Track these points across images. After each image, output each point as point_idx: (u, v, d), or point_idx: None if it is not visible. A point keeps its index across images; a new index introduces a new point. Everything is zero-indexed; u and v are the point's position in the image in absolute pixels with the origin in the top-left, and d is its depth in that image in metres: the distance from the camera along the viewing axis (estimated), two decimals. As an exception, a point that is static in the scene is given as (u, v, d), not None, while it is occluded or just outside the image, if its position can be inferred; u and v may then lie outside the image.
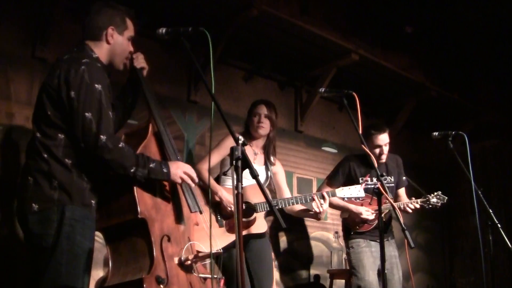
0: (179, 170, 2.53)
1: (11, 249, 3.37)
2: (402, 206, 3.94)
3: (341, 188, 3.55)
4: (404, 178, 4.23)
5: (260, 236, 3.51)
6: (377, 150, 3.94)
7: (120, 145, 2.33)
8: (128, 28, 2.59)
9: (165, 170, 2.47)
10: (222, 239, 3.30)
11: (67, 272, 2.23)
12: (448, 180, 6.85)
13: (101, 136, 2.27)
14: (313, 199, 3.46)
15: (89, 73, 2.31)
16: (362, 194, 3.52)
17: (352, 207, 3.91)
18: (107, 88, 2.38)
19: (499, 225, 3.37)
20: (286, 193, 3.72)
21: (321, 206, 3.42)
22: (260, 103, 3.67)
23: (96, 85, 2.31)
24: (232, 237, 3.28)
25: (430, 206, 4.03)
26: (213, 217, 3.37)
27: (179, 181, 2.55)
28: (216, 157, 3.47)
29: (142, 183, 2.45)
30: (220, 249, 2.69)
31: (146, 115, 2.83)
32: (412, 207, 3.92)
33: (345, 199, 3.64)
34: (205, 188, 3.28)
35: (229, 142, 3.43)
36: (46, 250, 2.24)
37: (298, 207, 3.66)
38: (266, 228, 3.55)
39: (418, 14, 6.09)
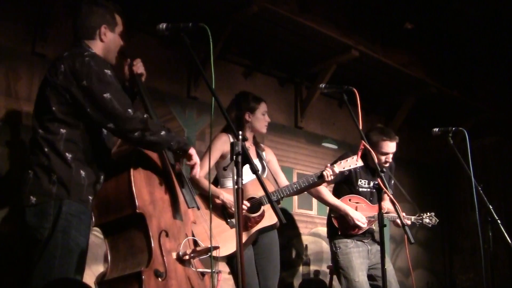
0: None
1: (12, 247, 3.37)
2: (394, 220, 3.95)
3: (338, 162, 3.52)
4: (392, 182, 4.16)
5: (271, 227, 3.46)
6: (384, 157, 3.87)
7: (146, 115, 2.42)
8: (118, 24, 2.65)
9: (186, 141, 2.57)
10: (235, 239, 3.27)
11: (60, 265, 2.25)
12: (448, 176, 6.82)
13: (128, 110, 2.35)
14: (313, 182, 3.49)
15: (95, 61, 2.38)
16: (360, 163, 3.49)
17: (350, 210, 3.81)
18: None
19: (499, 221, 3.38)
20: (282, 177, 3.71)
21: (331, 176, 3.49)
22: (262, 101, 3.63)
23: (105, 70, 2.39)
24: (245, 236, 3.26)
25: (422, 224, 4.04)
26: (222, 221, 3.35)
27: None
28: (210, 162, 3.44)
29: (139, 179, 2.48)
30: (218, 245, 2.70)
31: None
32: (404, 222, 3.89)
33: (346, 172, 3.66)
34: (205, 195, 3.26)
35: (219, 144, 3.44)
36: (41, 243, 2.27)
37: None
38: (276, 219, 3.41)
39: (418, 11, 6.07)
